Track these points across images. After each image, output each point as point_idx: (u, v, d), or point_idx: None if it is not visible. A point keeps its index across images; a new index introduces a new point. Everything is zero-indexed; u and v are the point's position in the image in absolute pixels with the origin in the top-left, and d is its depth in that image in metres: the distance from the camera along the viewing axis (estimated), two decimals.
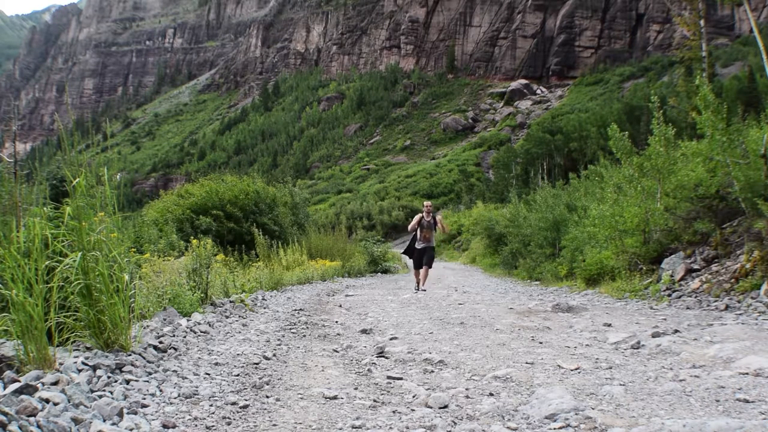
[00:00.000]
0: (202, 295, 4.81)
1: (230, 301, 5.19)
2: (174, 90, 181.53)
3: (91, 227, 2.54)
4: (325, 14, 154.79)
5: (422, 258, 9.60)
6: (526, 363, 2.99)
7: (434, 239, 10.02)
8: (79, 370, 2.21)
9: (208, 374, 2.58)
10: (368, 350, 3.41)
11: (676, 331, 3.81)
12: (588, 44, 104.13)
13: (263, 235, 10.27)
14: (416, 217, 9.84)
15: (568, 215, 11.92)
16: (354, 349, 3.47)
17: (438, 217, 9.90)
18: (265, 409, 2.13)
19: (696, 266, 6.11)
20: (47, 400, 1.82)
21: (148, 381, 2.29)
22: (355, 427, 1.94)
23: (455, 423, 1.99)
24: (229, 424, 1.94)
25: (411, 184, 70.08)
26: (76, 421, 1.71)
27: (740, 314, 4.54)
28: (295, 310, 5.59)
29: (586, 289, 8.31)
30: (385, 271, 16.64)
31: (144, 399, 2.06)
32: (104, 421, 1.78)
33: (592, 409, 2.11)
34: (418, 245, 9.72)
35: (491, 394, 2.37)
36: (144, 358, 2.58)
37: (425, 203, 10.10)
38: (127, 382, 2.22)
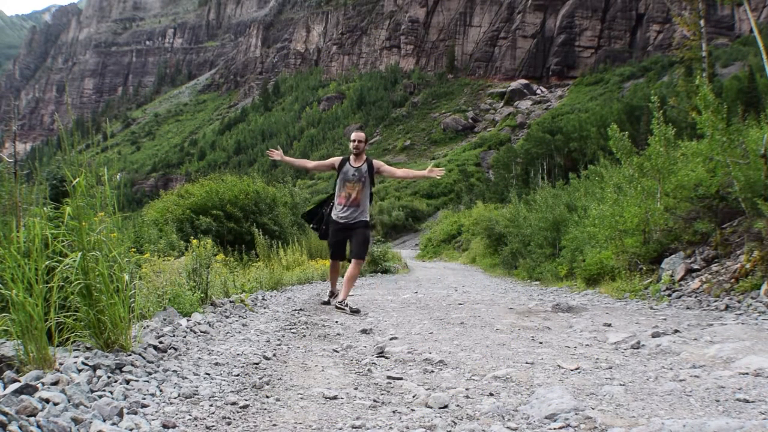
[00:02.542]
0: (202, 295, 4.81)
1: (230, 301, 5.19)
2: (174, 90, 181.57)
3: (91, 227, 2.54)
4: (325, 14, 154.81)
5: (343, 241, 5.81)
6: (526, 363, 2.99)
7: (368, 207, 5.79)
8: (79, 370, 2.21)
9: (208, 374, 2.57)
10: (368, 350, 3.41)
11: (676, 331, 3.81)
12: (588, 44, 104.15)
13: (263, 235, 10.27)
14: (329, 161, 5.99)
15: (568, 215, 11.92)
16: (354, 349, 3.47)
17: (379, 164, 5.83)
18: (265, 409, 2.13)
19: (696, 266, 6.11)
20: (47, 400, 1.82)
21: (148, 381, 2.29)
22: (355, 427, 1.93)
23: (455, 423, 1.99)
24: (229, 424, 1.94)
25: (411, 184, 70.06)
26: (76, 421, 1.71)
27: (740, 314, 4.54)
28: (295, 310, 5.59)
29: (586, 289, 8.31)
30: (385, 271, 16.64)
31: (144, 399, 2.06)
32: (104, 421, 1.78)
33: (592, 409, 2.11)
34: (336, 214, 5.76)
35: (491, 394, 2.37)
36: (144, 358, 2.58)
37: (354, 135, 5.85)
38: (127, 382, 2.22)
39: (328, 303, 6.07)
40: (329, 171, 5.99)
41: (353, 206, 5.77)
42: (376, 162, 5.89)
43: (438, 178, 5.60)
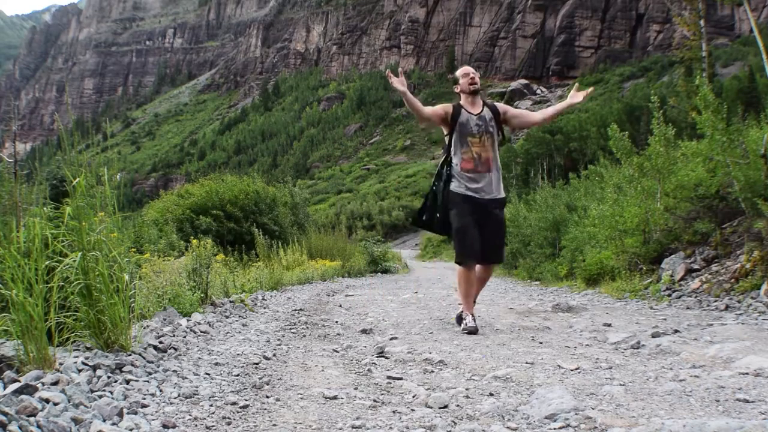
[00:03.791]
0: (202, 295, 4.81)
1: (230, 301, 5.19)
2: (174, 90, 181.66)
3: (91, 227, 2.54)
4: (325, 14, 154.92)
5: (483, 234, 4.05)
6: (526, 363, 2.99)
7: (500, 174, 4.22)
8: (79, 370, 2.21)
9: (208, 374, 2.57)
10: (368, 350, 3.41)
11: (676, 331, 3.81)
12: (588, 44, 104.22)
13: (263, 235, 10.27)
14: (440, 108, 4.26)
15: (568, 215, 11.92)
16: (354, 349, 3.47)
17: (505, 108, 4.31)
18: (265, 409, 2.13)
19: (696, 266, 6.11)
20: (47, 400, 1.82)
21: (148, 381, 2.29)
22: (355, 427, 1.93)
23: (455, 423, 1.99)
24: (229, 424, 1.94)
25: (411, 184, 70.15)
26: (76, 421, 1.71)
27: (740, 314, 4.54)
28: (295, 310, 5.59)
29: (586, 289, 8.31)
30: (385, 271, 16.65)
31: (144, 399, 2.06)
32: (104, 421, 1.78)
33: (592, 409, 2.11)
34: (467, 186, 4.08)
35: (491, 394, 2.37)
36: (144, 358, 2.58)
37: (465, 69, 4.32)
38: (127, 382, 2.22)
39: (474, 330, 4.01)
40: (439, 125, 4.23)
41: (487, 171, 4.08)
42: (501, 106, 4.30)
43: (583, 102, 4.06)
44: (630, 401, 2.22)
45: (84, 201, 2.55)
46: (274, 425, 1.94)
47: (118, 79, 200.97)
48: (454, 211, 4.11)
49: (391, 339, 3.82)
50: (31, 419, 1.64)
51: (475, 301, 4.33)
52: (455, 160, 4.18)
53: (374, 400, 2.28)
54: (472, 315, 4.17)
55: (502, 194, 4.20)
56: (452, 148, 4.21)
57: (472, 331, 3.99)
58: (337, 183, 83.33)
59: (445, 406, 2.17)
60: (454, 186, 4.14)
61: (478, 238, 4.04)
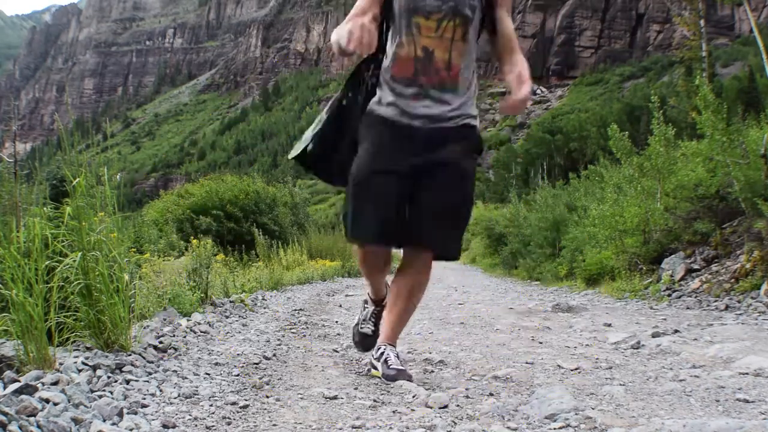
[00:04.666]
0: (202, 295, 4.80)
1: (230, 301, 5.19)
2: (174, 90, 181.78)
3: (91, 227, 2.54)
4: (325, 14, 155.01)
5: (408, 181, 2.22)
6: (526, 363, 2.99)
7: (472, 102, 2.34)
8: (79, 370, 2.21)
9: (208, 374, 2.57)
10: None
11: (676, 331, 3.81)
12: (588, 44, 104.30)
13: (263, 236, 10.27)
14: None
15: (568, 215, 11.92)
16: (354, 348, 3.47)
17: None
18: (265, 409, 2.12)
19: (696, 266, 6.11)
20: (47, 400, 1.82)
21: (148, 381, 2.29)
22: (355, 427, 1.93)
23: (455, 423, 1.99)
24: (229, 424, 1.93)
25: None
26: (76, 421, 1.71)
27: (740, 314, 4.54)
28: (295, 310, 5.59)
29: (586, 289, 8.32)
30: None
31: (144, 399, 2.06)
32: (104, 421, 1.78)
33: (592, 409, 2.11)
34: (390, 107, 2.24)
35: (491, 394, 2.37)
36: (144, 358, 2.58)
37: None
38: (127, 382, 2.22)
39: (365, 344, 2.98)
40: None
41: (441, 87, 2.30)
42: None
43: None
44: (630, 401, 2.22)
45: (84, 201, 2.55)
46: (274, 425, 1.94)
47: (118, 79, 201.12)
48: (363, 145, 2.33)
49: None
50: (31, 419, 1.64)
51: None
52: (386, 62, 2.34)
53: (374, 400, 2.28)
54: (389, 347, 2.63)
55: (468, 118, 2.39)
56: (388, 37, 2.34)
57: (392, 378, 2.48)
58: None
59: (445, 406, 2.16)
60: (374, 103, 2.35)
61: (389, 203, 2.27)
